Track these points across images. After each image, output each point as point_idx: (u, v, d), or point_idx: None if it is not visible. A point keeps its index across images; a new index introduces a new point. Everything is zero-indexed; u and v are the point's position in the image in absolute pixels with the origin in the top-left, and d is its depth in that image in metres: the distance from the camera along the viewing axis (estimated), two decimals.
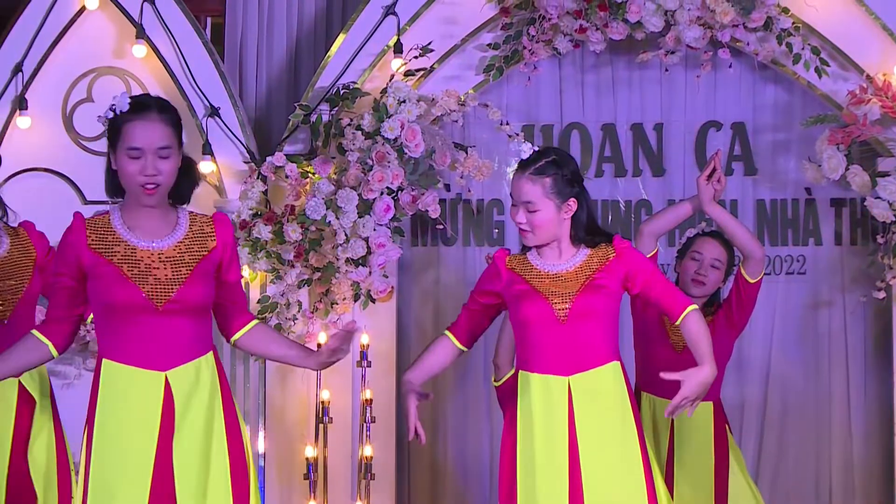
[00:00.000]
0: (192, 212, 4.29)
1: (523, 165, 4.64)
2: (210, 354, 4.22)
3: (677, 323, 4.62)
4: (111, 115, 4.15)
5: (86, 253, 4.14)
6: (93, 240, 4.16)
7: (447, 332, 4.81)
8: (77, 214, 4.22)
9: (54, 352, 4.21)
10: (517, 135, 6.88)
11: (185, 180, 4.26)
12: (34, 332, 4.22)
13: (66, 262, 4.17)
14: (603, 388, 4.54)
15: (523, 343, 4.64)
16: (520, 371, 4.63)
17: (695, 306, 4.63)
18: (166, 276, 4.15)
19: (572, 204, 4.61)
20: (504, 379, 5.51)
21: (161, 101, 4.22)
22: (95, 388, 4.15)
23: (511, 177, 6.99)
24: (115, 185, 4.21)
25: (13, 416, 4.99)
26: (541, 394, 4.55)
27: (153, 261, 4.15)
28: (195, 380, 4.16)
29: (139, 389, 4.11)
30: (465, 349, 4.82)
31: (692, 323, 4.59)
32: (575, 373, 4.53)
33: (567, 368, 4.54)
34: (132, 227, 4.18)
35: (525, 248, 4.71)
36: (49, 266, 4.25)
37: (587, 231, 4.65)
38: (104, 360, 4.14)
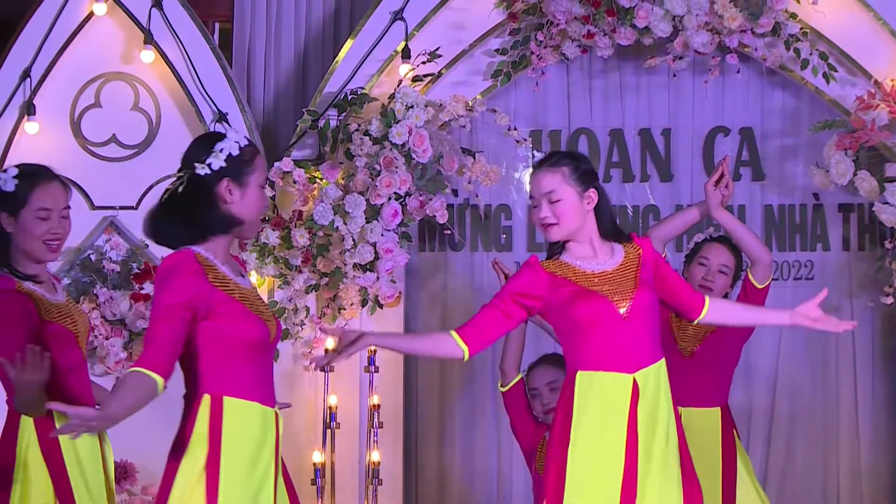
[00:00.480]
0: None
1: (538, 163, 4.63)
2: None
3: (700, 317, 4.70)
4: (237, 148, 4.09)
5: (210, 291, 4.00)
6: (212, 277, 4.02)
7: (451, 332, 4.55)
8: (186, 252, 4.03)
9: (161, 388, 3.93)
10: (525, 140, 6.89)
11: None
12: (141, 369, 3.88)
13: (184, 296, 3.95)
14: (661, 384, 4.53)
15: (581, 343, 4.51)
16: (578, 372, 4.50)
17: (708, 298, 4.74)
18: (268, 311, 4.17)
19: (593, 195, 4.57)
20: (511, 384, 5.51)
21: None
22: (217, 426, 3.99)
23: (524, 181, 7.04)
24: (224, 221, 4.10)
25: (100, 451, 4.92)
26: (603, 391, 4.47)
27: (255, 297, 4.13)
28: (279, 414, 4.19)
29: (261, 424, 4.06)
30: (465, 350, 4.53)
31: (720, 304, 4.83)
32: (639, 369, 4.49)
33: (631, 365, 4.48)
34: (224, 264, 4.11)
35: (551, 255, 4.62)
36: (158, 302, 4.07)
37: (613, 225, 4.63)
38: (226, 398, 4.00)
